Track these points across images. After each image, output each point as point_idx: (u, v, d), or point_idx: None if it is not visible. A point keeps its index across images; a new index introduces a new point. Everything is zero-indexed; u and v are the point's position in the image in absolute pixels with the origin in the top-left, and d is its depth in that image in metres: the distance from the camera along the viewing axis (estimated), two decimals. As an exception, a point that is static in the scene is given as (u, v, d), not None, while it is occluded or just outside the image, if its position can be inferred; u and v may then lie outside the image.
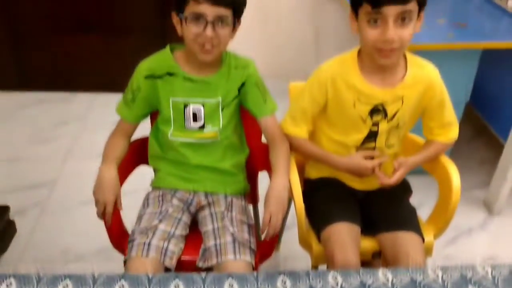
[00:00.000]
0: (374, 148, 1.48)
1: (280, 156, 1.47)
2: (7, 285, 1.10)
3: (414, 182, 1.63)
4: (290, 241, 1.92)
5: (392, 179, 1.43)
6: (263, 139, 1.58)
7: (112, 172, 1.42)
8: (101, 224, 1.42)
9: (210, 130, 1.48)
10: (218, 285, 1.12)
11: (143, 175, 1.62)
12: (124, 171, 1.51)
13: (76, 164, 2.52)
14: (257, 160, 1.63)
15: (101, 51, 3.05)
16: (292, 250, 1.93)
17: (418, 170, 1.56)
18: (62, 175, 2.44)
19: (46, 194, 2.30)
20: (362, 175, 1.47)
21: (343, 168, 1.49)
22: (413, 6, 1.26)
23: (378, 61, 1.33)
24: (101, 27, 3.00)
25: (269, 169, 1.50)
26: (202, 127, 1.47)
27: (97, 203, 1.39)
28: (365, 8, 1.28)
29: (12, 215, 2.07)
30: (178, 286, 1.12)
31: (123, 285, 1.11)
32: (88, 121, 2.87)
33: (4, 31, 2.96)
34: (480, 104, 2.72)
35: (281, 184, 1.40)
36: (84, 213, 2.14)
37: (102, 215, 1.39)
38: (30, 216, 2.17)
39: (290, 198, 1.50)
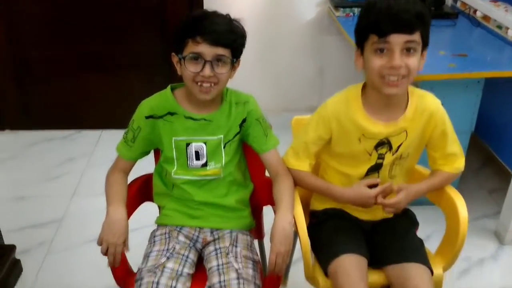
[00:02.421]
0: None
1: (284, 191, 1.46)
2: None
3: (421, 214, 1.61)
4: (297, 275, 1.89)
5: (392, 200, 1.41)
6: (267, 174, 1.57)
7: (121, 214, 1.40)
8: (106, 261, 1.40)
9: (213, 168, 1.48)
10: (222, 324, 1.10)
11: (145, 212, 1.61)
12: (129, 209, 1.49)
13: (82, 202, 2.52)
14: (261, 195, 1.62)
15: (107, 89, 3.09)
16: (299, 284, 1.89)
17: (425, 202, 1.54)
18: (67, 213, 2.43)
19: (52, 233, 2.29)
20: (365, 205, 1.45)
21: (346, 199, 1.48)
22: (417, 37, 1.29)
23: (384, 91, 1.33)
24: (107, 65, 3.05)
25: (273, 203, 1.49)
26: (205, 164, 1.47)
27: (105, 245, 1.35)
28: (372, 39, 1.31)
29: (18, 254, 2.06)
30: (182, 326, 1.10)
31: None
32: (94, 158, 2.89)
33: (10, 71, 3.01)
34: (485, 134, 2.71)
35: (286, 221, 1.38)
36: (90, 251, 2.13)
37: (106, 254, 1.36)
38: (36, 255, 2.16)
39: (296, 233, 1.48)
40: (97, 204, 1.54)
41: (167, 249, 1.44)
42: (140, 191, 1.59)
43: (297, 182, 1.52)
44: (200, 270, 1.45)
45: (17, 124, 3.14)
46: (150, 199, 1.61)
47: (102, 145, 3.00)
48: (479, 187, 2.64)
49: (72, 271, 2.09)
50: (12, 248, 2.02)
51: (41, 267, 2.10)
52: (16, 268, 2.03)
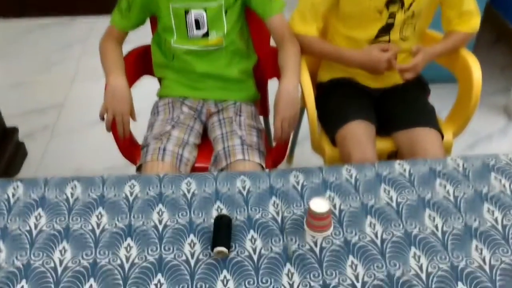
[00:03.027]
0: (388, 42, 1.39)
1: (290, 57, 1.38)
2: (14, 188, 1.07)
3: (432, 92, 1.54)
4: (302, 154, 1.88)
5: (410, 64, 1.33)
6: (272, 44, 1.49)
7: (123, 82, 1.33)
8: (111, 143, 1.37)
9: (214, 37, 1.40)
10: (230, 182, 1.09)
11: (145, 87, 1.55)
12: (128, 82, 1.42)
13: (82, 87, 2.48)
14: (266, 66, 1.56)
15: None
16: (305, 163, 1.89)
17: (435, 78, 1.46)
18: (68, 98, 2.40)
19: (54, 117, 2.28)
20: (376, 70, 1.38)
21: (357, 63, 1.40)
22: None
23: None
24: None
25: (279, 76, 1.42)
26: (206, 34, 1.39)
27: (110, 114, 1.29)
28: None
29: (22, 138, 2.05)
30: (189, 184, 1.08)
31: (133, 185, 1.08)
32: (91, 44, 2.78)
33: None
34: (501, 4, 2.57)
35: (291, 85, 1.31)
36: (93, 134, 2.13)
37: (111, 127, 1.31)
38: (40, 139, 2.16)
39: (303, 107, 1.43)
40: (97, 89, 1.47)
41: (172, 118, 1.40)
42: (138, 62, 1.52)
43: (304, 49, 1.44)
44: (206, 143, 1.43)
45: (10, 12, 3.02)
46: (149, 72, 1.55)
47: (98, 32, 2.86)
48: (491, 63, 2.55)
49: (76, 153, 2.09)
50: (14, 130, 2.00)
51: (46, 150, 2.10)
52: (20, 150, 2.02)
